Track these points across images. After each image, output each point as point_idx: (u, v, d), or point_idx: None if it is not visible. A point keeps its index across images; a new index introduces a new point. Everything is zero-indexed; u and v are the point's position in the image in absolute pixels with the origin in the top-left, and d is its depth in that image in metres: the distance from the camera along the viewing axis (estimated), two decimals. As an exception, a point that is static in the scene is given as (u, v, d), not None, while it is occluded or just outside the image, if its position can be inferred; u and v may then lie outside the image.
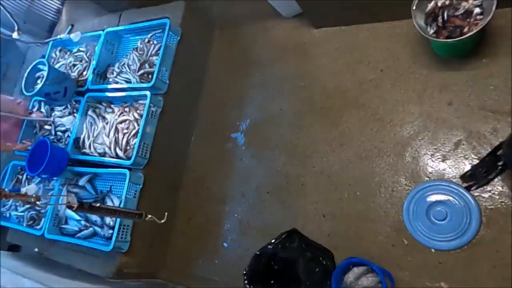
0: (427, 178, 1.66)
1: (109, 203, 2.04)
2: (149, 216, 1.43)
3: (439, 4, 1.64)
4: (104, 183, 2.16)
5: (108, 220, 2.01)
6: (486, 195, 1.53)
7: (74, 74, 2.47)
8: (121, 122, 2.16)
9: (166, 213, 1.46)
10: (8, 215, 2.38)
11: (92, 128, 2.24)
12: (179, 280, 2.13)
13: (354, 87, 1.96)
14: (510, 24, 1.64)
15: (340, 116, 1.96)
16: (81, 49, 2.58)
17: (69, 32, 2.66)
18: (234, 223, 2.09)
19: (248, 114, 2.27)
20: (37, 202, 1.19)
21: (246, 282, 1.65)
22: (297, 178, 1.97)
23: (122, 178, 2.00)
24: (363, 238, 1.72)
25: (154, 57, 2.25)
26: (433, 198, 1.60)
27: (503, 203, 1.50)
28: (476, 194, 1.54)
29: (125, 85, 2.24)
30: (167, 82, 2.19)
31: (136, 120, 2.12)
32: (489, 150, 1.57)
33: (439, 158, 1.66)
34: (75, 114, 2.35)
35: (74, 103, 2.39)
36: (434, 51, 1.77)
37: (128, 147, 2.08)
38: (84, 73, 2.45)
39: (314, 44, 2.18)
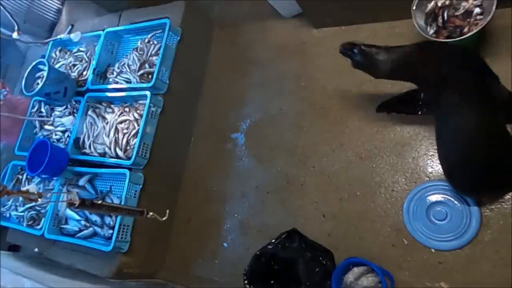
0: (427, 178, 1.66)
1: (109, 203, 2.04)
2: (151, 213, 1.42)
3: (439, 4, 1.64)
4: (104, 183, 2.16)
5: (108, 220, 2.01)
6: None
7: (74, 74, 2.47)
8: (121, 122, 2.16)
9: (167, 211, 1.45)
10: (8, 215, 2.38)
11: (92, 128, 2.23)
12: (179, 280, 2.13)
13: (354, 87, 1.96)
14: (510, 24, 1.64)
15: (340, 116, 1.96)
16: (81, 49, 2.58)
17: (69, 32, 2.66)
18: (234, 223, 2.09)
19: (248, 114, 2.26)
20: (39, 199, 1.18)
21: (246, 282, 1.65)
22: (297, 178, 1.97)
23: (122, 178, 2.00)
24: (363, 238, 1.72)
25: (154, 57, 2.25)
26: (433, 198, 1.60)
27: (503, 203, 1.50)
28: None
29: (125, 85, 2.23)
30: (167, 82, 2.19)
31: (136, 120, 2.12)
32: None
33: (439, 158, 1.66)
34: (75, 114, 2.34)
35: (74, 103, 2.39)
36: (434, 51, 1.77)
37: (128, 147, 2.08)
38: (84, 73, 2.44)
39: (314, 44, 2.18)
